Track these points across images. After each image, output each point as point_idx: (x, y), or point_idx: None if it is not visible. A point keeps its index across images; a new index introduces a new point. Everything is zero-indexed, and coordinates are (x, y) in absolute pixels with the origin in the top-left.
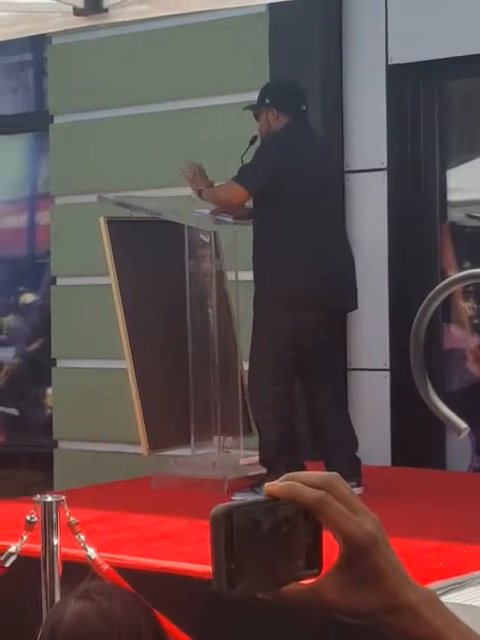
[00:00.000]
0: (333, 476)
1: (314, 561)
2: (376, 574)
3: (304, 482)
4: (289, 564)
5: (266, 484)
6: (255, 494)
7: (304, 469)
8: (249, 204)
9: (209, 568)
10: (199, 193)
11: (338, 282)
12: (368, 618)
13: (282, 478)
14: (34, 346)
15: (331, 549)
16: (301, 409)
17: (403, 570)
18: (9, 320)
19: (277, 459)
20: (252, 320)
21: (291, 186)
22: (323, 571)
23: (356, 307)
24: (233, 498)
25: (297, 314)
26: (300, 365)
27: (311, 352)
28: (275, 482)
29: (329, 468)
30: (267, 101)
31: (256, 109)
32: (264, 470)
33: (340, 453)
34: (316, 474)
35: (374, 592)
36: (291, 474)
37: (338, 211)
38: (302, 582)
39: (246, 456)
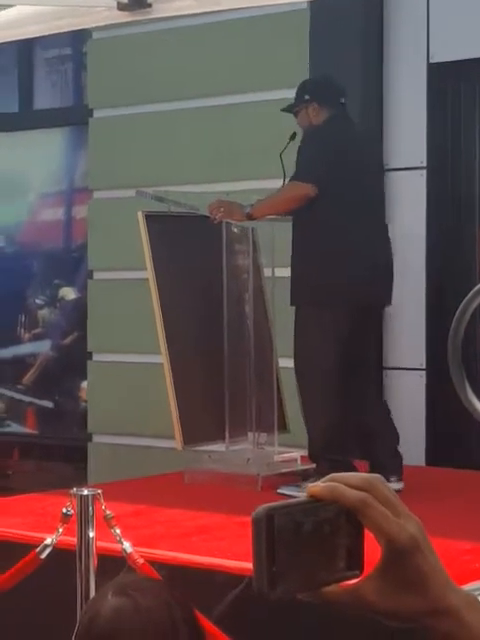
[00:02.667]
0: (375, 477)
1: (355, 562)
2: (418, 578)
3: (346, 483)
4: (330, 565)
5: (309, 485)
6: (299, 489)
7: (352, 466)
8: None
9: (243, 563)
10: (248, 217)
11: (380, 276)
12: (410, 621)
13: (325, 479)
14: (69, 339)
15: (372, 550)
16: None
17: (445, 574)
18: (45, 313)
19: (324, 455)
20: (295, 316)
21: (336, 178)
22: (365, 573)
23: (391, 302)
24: (278, 491)
25: (341, 308)
26: (345, 359)
27: (354, 346)
28: (317, 483)
29: (372, 463)
30: (306, 97)
31: (296, 106)
32: (299, 467)
33: (382, 447)
34: (359, 475)
35: (416, 596)
36: (334, 475)
37: (380, 204)
38: (343, 583)
39: (280, 453)
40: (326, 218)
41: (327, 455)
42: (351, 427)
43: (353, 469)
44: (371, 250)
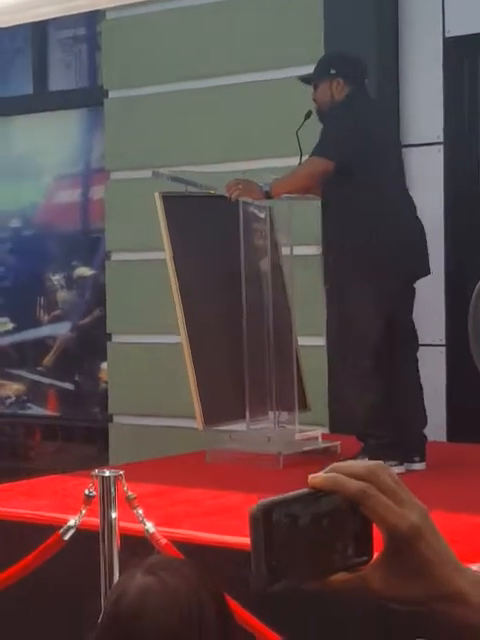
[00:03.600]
0: (378, 466)
1: (364, 548)
2: (422, 565)
3: (348, 472)
4: (336, 554)
5: (310, 476)
6: None
7: (398, 444)
8: None
9: None
10: (266, 195)
11: (414, 249)
12: (418, 605)
13: (327, 469)
14: (89, 320)
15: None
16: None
17: (453, 557)
18: (63, 295)
19: (368, 433)
20: (330, 293)
21: (363, 154)
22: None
23: (429, 272)
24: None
25: (379, 283)
26: (384, 336)
27: (394, 322)
28: (319, 474)
29: (395, 442)
30: (332, 71)
31: (318, 78)
32: (321, 444)
33: (409, 429)
34: (361, 464)
35: (421, 582)
36: (335, 465)
37: (403, 178)
38: (351, 570)
39: (302, 431)
40: (358, 194)
41: (374, 433)
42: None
43: (398, 447)
44: (404, 222)
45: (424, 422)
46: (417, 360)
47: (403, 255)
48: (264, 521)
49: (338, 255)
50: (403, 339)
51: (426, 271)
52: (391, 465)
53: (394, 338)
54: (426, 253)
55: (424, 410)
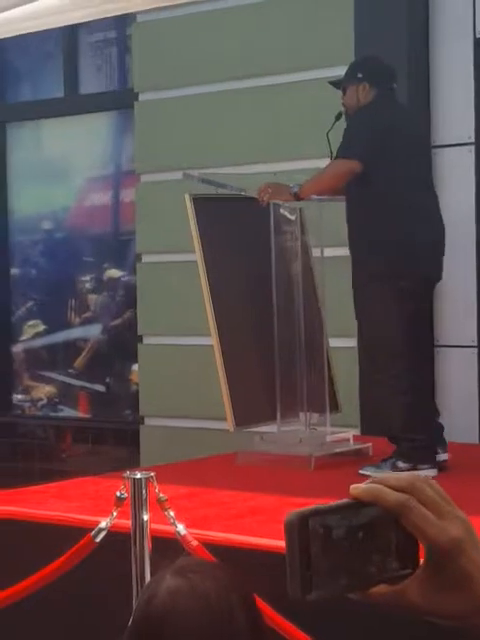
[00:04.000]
0: (419, 478)
1: (407, 561)
2: (463, 579)
3: (388, 484)
4: (374, 566)
5: (352, 486)
6: (379, 470)
7: (432, 445)
8: None
9: None
10: (296, 197)
11: (435, 252)
12: (458, 620)
13: (368, 481)
14: (120, 322)
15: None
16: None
17: None
18: (94, 297)
19: (401, 437)
20: (358, 296)
21: (387, 155)
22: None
23: (440, 278)
24: (360, 472)
25: (408, 283)
26: (414, 335)
27: (417, 324)
28: (360, 485)
29: (428, 445)
30: (359, 75)
31: (346, 82)
32: (352, 446)
33: (431, 428)
34: (402, 476)
35: (462, 596)
36: (378, 477)
37: (431, 180)
38: (394, 583)
39: (333, 433)
40: (381, 195)
41: (408, 436)
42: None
43: (431, 450)
44: (429, 224)
45: (438, 413)
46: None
47: (421, 259)
48: (299, 530)
49: (360, 256)
50: (422, 340)
51: (439, 276)
52: (424, 468)
53: (415, 340)
54: (441, 259)
55: (435, 405)
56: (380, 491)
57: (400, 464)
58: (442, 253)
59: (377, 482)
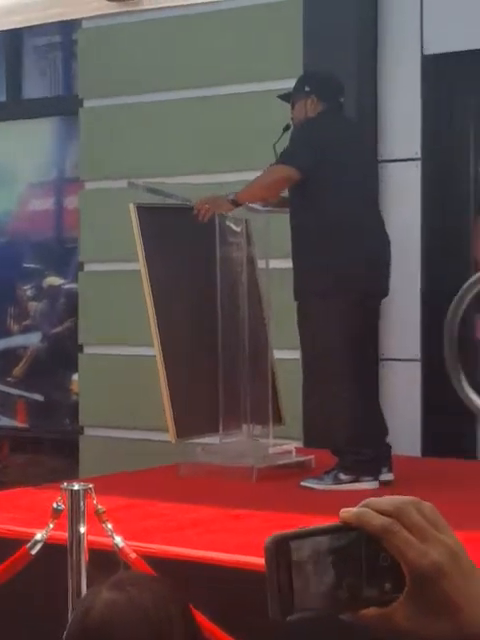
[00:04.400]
0: (407, 502)
1: (395, 584)
2: (445, 604)
3: (377, 509)
4: (362, 588)
5: (341, 510)
6: (321, 482)
7: (374, 460)
8: (284, 192)
9: (237, 557)
10: (234, 204)
11: (379, 267)
12: None
13: (360, 504)
14: (60, 331)
15: None
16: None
17: None
18: (35, 304)
19: (345, 449)
20: (300, 309)
21: (331, 169)
22: None
23: (387, 293)
24: (301, 484)
25: (349, 298)
26: (357, 349)
27: (361, 338)
28: (350, 508)
29: (371, 458)
30: (307, 88)
31: (295, 96)
32: (294, 458)
33: (374, 442)
34: (390, 500)
35: (445, 622)
36: (368, 500)
37: (376, 196)
38: (384, 606)
39: (275, 445)
40: (324, 208)
41: (351, 448)
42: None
43: (373, 463)
44: (372, 239)
45: (386, 431)
46: (377, 375)
47: (364, 273)
48: (277, 552)
49: (304, 270)
50: (367, 354)
51: (385, 291)
52: (366, 480)
53: (359, 353)
54: (387, 273)
55: (384, 421)
56: (365, 515)
57: (342, 476)
58: (387, 268)
59: (367, 505)
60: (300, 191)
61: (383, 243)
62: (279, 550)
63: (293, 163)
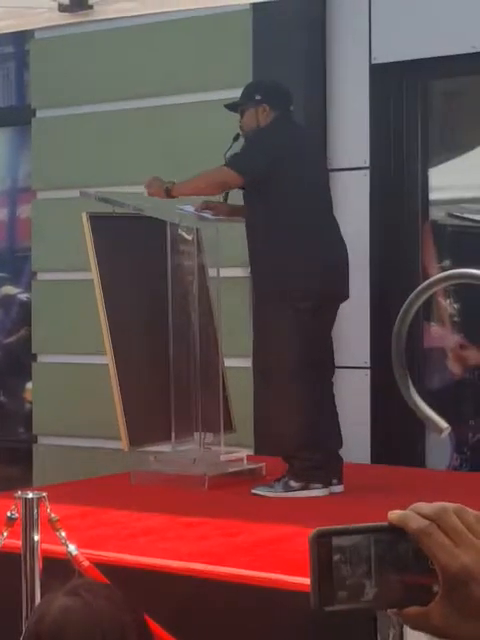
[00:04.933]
0: (449, 508)
1: (433, 584)
2: (476, 607)
3: (420, 512)
4: (402, 586)
5: (389, 511)
6: (271, 489)
7: (323, 467)
8: (238, 200)
9: (189, 564)
10: (167, 193)
11: (338, 270)
12: None
13: (411, 507)
14: (14, 340)
15: None
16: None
17: None
18: None
19: (295, 456)
20: (255, 314)
21: (286, 175)
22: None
23: (348, 296)
24: (252, 492)
25: (304, 305)
26: (310, 355)
27: (317, 344)
28: (397, 511)
29: (320, 465)
30: (257, 97)
31: (244, 105)
32: (246, 466)
33: (328, 450)
34: (434, 505)
35: (475, 623)
36: (415, 504)
37: (330, 202)
38: (424, 604)
39: (227, 453)
40: (279, 214)
41: (300, 455)
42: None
43: (323, 469)
44: (328, 243)
45: (340, 444)
46: (333, 382)
47: (322, 277)
48: (319, 546)
49: (259, 276)
50: (322, 360)
51: (346, 295)
52: (316, 488)
53: (313, 359)
54: (347, 277)
55: (340, 432)
56: (407, 516)
57: (292, 483)
58: (345, 271)
59: (412, 508)
60: (256, 197)
61: (340, 247)
62: (321, 544)
63: (238, 168)
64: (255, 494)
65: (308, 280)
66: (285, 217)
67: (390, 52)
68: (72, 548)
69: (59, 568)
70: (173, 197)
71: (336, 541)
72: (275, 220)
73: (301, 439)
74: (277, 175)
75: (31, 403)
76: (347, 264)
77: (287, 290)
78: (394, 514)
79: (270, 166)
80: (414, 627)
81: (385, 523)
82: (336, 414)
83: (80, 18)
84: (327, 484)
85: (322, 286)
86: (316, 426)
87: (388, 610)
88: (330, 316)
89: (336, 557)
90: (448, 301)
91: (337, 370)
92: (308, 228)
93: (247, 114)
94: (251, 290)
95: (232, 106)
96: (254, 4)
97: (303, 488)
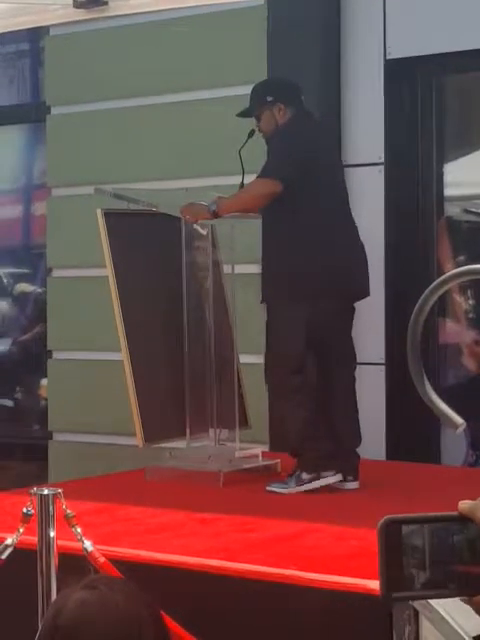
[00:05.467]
0: None
1: None
2: None
3: None
4: (470, 576)
5: (460, 502)
6: (285, 485)
7: (333, 456)
8: None
9: (204, 560)
10: (214, 215)
11: (355, 268)
12: None
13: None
14: (29, 337)
15: None
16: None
17: None
18: (4, 310)
19: (304, 448)
20: (268, 312)
21: (309, 174)
22: None
23: (368, 293)
24: (267, 489)
25: (316, 303)
26: (318, 354)
27: (329, 341)
28: (468, 501)
29: (331, 453)
30: (269, 98)
31: (259, 109)
32: (261, 462)
33: (342, 447)
34: None
35: None
36: None
37: (347, 199)
38: None
39: (242, 449)
40: (300, 213)
41: (309, 447)
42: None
43: (334, 457)
44: (344, 242)
45: (358, 441)
46: (354, 380)
47: (339, 276)
48: (388, 534)
49: (274, 274)
50: (338, 358)
51: (365, 293)
52: (327, 475)
53: (328, 357)
54: (366, 275)
55: (359, 429)
56: (476, 507)
57: (304, 476)
58: (364, 271)
59: None
60: (278, 198)
61: (354, 247)
62: (390, 532)
63: (277, 176)
64: (270, 491)
65: (322, 280)
66: (301, 215)
67: (405, 47)
68: (88, 544)
69: (75, 564)
70: (219, 217)
71: (405, 529)
72: (291, 218)
73: (308, 432)
74: (306, 175)
75: (46, 400)
76: (365, 262)
77: (299, 289)
78: (464, 504)
79: (302, 167)
80: None
81: (455, 513)
82: (354, 412)
83: (95, 14)
84: (338, 470)
85: (337, 285)
86: (327, 421)
87: (460, 597)
88: (347, 314)
89: (405, 545)
90: (463, 297)
91: None
92: (324, 226)
93: (264, 117)
94: (262, 287)
95: (245, 113)
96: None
97: (315, 479)
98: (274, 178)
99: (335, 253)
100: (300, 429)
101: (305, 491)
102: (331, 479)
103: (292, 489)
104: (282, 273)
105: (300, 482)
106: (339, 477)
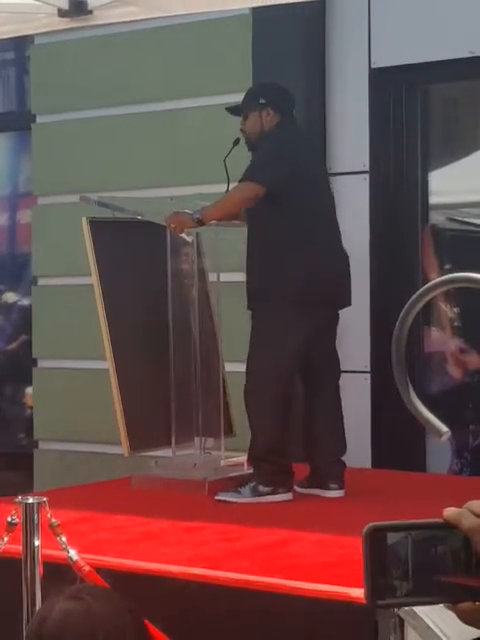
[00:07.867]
0: None
1: None
2: None
3: (473, 510)
4: (454, 583)
5: (445, 509)
6: (239, 495)
7: (290, 470)
8: None
9: (189, 569)
10: (199, 223)
11: (339, 278)
12: None
13: (465, 506)
14: (14, 345)
15: None
16: (296, 408)
17: None
18: None
19: (265, 459)
20: (252, 319)
21: (294, 182)
22: None
23: (349, 303)
24: (216, 498)
25: (301, 311)
26: (301, 364)
27: (312, 351)
28: (453, 508)
29: (313, 468)
30: (262, 101)
31: (248, 108)
32: (246, 470)
33: (326, 455)
34: None
35: None
36: (470, 502)
37: (333, 207)
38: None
39: (227, 457)
40: (285, 222)
41: (270, 458)
42: (299, 429)
43: (291, 473)
44: (328, 251)
45: (343, 450)
46: (338, 388)
47: (323, 284)
48: (373, 541)
49: (258, 282)
50: (322, 366)
51: (346, 302)
52: (281, 492)
53: (313, 365)
54: (348, 285)
55: (344, 437)
56: (461, 514)
57: (261, 488)
58: (346, 280)
59: (467, 507)
60: (264, 203)
61: (338, 255)
62: (375, 540)
63: (259, 179)
64: (220, 500)
65: (305, 289)
66: (286, 223)
67: (389, 56)
68: (73, 553)
69: (60, 573)
70: (204, 224)
71: (390, 537)
72: (275, 226)
73: (273, 444)
74: (292, 181)
75: (32, 408)
76: (348, 271)
77: (282, 298)
78: (449, 511)
79: (288, 172)
80: (467, 622)
81: (439, 520)
82: (339, 421)
83: (80, 23)
84: (291, 488)
85: (320, 294)
86: (308, 431)
87: (444, 604)
88: (330, 323)
89: (390, 553)
90: (448, 305)
91: None
92: (309, 235)
93: (250, 118)
94: (247, 296)
95: (234, 109)
96: (254, 9)
97: (271, 493)
98: (255, 181)
99: (319, 262)
100: (265, 441)
101: (257, 502)
102: (283, 497)
103: (246, 499)
104: (266, 281)
105: (256, 493)
106: (290, 496)
